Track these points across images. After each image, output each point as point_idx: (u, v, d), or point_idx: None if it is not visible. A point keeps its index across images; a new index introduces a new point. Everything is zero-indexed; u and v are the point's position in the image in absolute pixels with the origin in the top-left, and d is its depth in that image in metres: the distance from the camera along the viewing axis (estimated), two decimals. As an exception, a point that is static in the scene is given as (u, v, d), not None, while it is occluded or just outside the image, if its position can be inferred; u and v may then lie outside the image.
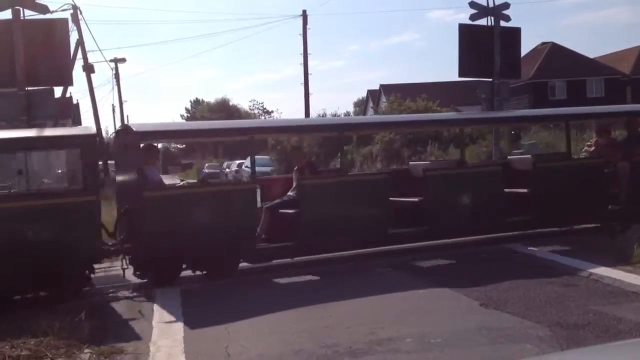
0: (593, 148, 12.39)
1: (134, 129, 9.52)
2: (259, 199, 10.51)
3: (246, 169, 35.74)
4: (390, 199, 10.52)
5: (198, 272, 9.53)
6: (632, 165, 11.68)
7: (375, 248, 10.70)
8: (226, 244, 9.29)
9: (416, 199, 10.77)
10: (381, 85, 59.47)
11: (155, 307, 8.02)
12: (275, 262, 10.17)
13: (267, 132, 14.85)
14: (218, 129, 12.37)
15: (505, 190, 11.22)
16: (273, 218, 10.34)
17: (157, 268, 9.14)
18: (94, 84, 26.29)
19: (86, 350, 6.21)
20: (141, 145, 9.69)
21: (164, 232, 8.99)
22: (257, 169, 36.47)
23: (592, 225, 11.85)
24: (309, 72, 38.42)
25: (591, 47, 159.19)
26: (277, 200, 10.63)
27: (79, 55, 23.76)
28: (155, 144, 10.94)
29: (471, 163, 15.06)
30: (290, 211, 10.11)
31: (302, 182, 10.39)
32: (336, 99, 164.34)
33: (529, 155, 13.57)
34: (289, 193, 10.72)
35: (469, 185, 10.98)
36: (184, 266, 9.45)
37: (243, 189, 10.22)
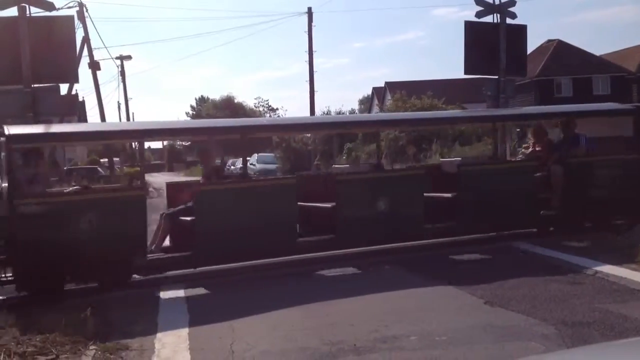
0: (530, 150, 12.07)
1: (7, 132, 8.63)
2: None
3: (251, 166, 35.80)
4: (300, 204, 10.01)
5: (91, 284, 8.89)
6: (566, 169, 11.32)
7: (281, 258, 10.01)
8: (111, 255, 8.54)
9: (329, 205, 10.17)
10: (386, 83, 59.44)
11: (160, 303, 8.04)
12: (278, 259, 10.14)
13: (191, 133, 12.91)
14: (113, 132, 11.35)
15: (431, 195, 10.77)
16: (174, 226, 9.84)
17: (34, 281, 8.50)
18: (100, 81, 26.33)
19: (91, 347, 6.23)
20: (21, 148, 8.98)
21: (37, 243, 8.27)
22: (263, 166, 36.54)
23: (526, 230, 11.44)
24: (314, 69, 38.48)
25: (597, 45, 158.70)
26: (179, 207, 9.98)
27: (85, 52, 23.91)
28: (38, 148, 9.91)
29: (395, 167, 14.51)
30: (187, 219, 9.57)
31: (197, 189, 9.80)
32: (342, 97, 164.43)
33: (459, 158, 13.51)
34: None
35: (385, 191, 10.28)
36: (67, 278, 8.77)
37: (130, 196, 9.31)
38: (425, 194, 10.64)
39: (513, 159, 13.13)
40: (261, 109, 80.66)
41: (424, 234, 10.77)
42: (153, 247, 9.64)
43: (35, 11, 11.65)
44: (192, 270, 9.55)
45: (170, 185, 11.12)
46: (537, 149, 11.91)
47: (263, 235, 9.43)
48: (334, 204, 10.07)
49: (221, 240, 9.21)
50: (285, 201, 9.81)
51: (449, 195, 10.83)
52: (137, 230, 8.87)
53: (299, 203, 10.11)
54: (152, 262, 9.15)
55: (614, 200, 11.40)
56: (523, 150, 12.48)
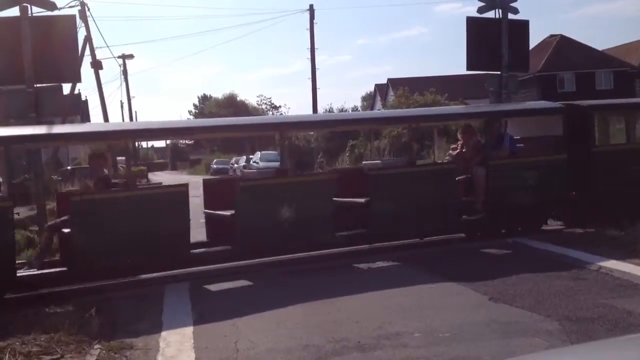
0: (457, 151, 11.62)
1: None
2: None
3: (254, 164, 35.83)
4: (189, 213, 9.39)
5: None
6: (489, 171, 10.90)
7: (173, 271, 9.56)
8: None
9: (228, 213, 9.72)
10: (389, 79, 59.42)
11: (165, 302, 8.04)
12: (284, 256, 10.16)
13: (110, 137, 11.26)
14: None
15: (345, 200, 10.32)
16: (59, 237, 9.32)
17: None
18: (102, 80, 26.35)
19: (96, 346, 6.24)
20: None
21: None
22: (266, 164, 36.39)
23: (454, 235, 11.14)
24: (317, 66, 38.47)
25: (600, 40, 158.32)
26: (62, 218, 9.31)
27: (87, 51, 23.89)
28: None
29: (307, 172, 13.41)
30: (67, 230, 9.00)
31: (73, 199, 9.06)
32: (344, 94, 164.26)
33: (379, 161, 13.14)
34: None
35: (291, 197, 9.66)
36: None
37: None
38: (335, 199, 10.09)
39: (435, 162, 12.60)
40: (264, 106, 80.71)
41: (335, 242, 10.16)
42: (33, 260, 9.29)
43: (37, 11, 11.67)
44: (194, 269, 9.57)
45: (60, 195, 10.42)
46: (464, 150, 11.53)
47: (146, 247, 8.92)
48: (232, 212, 9.57)
49: (97, 254, 8.68)
50: (178, 210, 9.21)
51: (361, 200, 10.27)
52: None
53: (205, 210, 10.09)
54: (24, 278, 8.59)
55: (542, 203, 11.17)
56: (450, 151, 11.95)
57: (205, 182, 11.43)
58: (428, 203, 10.34)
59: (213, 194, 10.74)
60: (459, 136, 11.94)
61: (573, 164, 11.41)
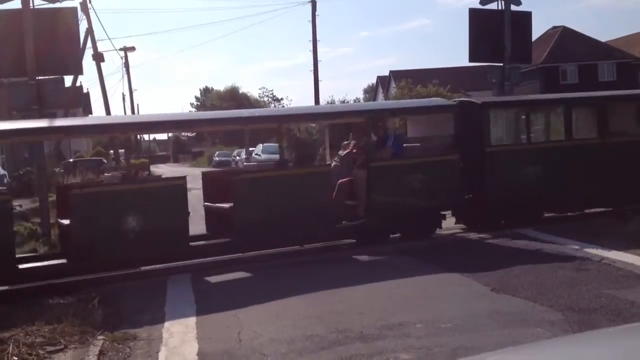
0: (346, 152, 10.82)
1: None
2: None
3: (256, 156, 35.77)
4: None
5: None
6: (370, 173, 10.18)
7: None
8: None
9: (227, 206, 9.59)
10: (391, 72, 59.24)
11: (168, 293, 8.07)
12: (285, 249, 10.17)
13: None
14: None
15: (212, 205, 10.04)
16: None
17: None
18: (104, 73, 26.36)
19: (100, 337, 6.26)
20: None
21: None
22: (268, 156, 36.32)
23: (342, 241, 10.55)
24: (319, 59, 38.32)
25: (602, 31, 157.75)
26: None
27: (89, 44, 23.87)
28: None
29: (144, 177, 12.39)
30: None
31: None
32: (347, 86, 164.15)
33: (255, 163, 12.69)
34: None
35: (138, 205, 9.04)
36: None
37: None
38: (206, 204, 10.07)
39: (310, 164, 12.03)
40: (265, 99, 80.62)
41: (189, 253, 9.56)
42: None
43: (39, 3, 11.68)
44: (197, 260, 9.59)
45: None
46: (354, 150, 10.74)
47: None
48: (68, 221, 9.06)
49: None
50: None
51: (226, 206, 9.71)
52: None
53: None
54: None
55: (430, 206, 10.54)
56: (340, 151, 11.09)
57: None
58: (300, 208, 9.68)
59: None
60: (351, 135, 11.15)
61: (469, 165, 10.94)
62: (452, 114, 11.16)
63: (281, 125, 11.26)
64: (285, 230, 9.71)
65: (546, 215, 11.70)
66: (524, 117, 11.95)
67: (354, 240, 10.49)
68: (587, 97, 13.39)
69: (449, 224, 11.48)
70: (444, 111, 11.43)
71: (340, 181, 10.28)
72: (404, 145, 11.07)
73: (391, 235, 10.61)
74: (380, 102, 12.81)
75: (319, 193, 9.93)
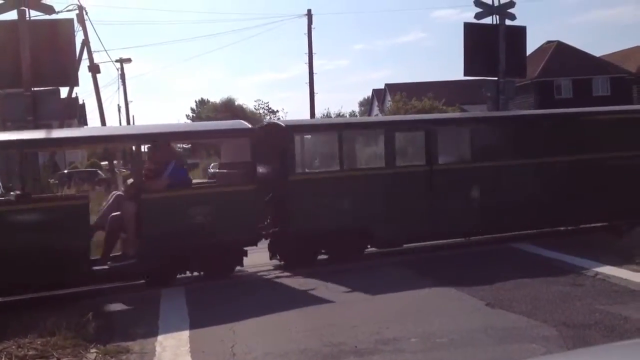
0: (132, 181, 9.84)
1: None
2: None
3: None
4: None
5: None
6: (142, 205, 8.94)
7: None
8: None
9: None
10: (386, 85, 59.44)
11: (161, 306, 8.03)
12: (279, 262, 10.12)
13: None
14: None
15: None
16: None
17: None
18: (100, 84, 26.34)
19: (92, 350, 6.22)
20: None
21: None
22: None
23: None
24: (314, 71, 38.41)
25: (597, 46, 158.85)
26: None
27: (85, 55, 23.82)
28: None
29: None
30: None
31: None
32: (342, 99, 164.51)
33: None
34: None
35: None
36: None
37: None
38: None
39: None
40: (261, 111, 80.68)
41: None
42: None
43: (35, 15, 11.69)
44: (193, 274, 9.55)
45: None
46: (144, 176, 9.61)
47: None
48: None
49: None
50: None
51: None
52: None
53: None
54: None
55: (221, 243, 9.28)
56: (129, 181, 10.07)
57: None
58: (35, 249, 8.32)
59: None
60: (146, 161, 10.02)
61: (277, 194, 10.04)
62: (248, 139, 9.69)
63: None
64: (22, 275, 8.31)
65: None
66: (337, 141, 10.31)
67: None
68: (413, 121, 12.93)
69: (263, 259, 10.52)
70: (238, 135, 10.00)
71: (111, 215, 9.19)
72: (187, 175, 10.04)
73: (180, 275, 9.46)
74: (161, 124, 11.21)
75: (67, 232, 8.60)
